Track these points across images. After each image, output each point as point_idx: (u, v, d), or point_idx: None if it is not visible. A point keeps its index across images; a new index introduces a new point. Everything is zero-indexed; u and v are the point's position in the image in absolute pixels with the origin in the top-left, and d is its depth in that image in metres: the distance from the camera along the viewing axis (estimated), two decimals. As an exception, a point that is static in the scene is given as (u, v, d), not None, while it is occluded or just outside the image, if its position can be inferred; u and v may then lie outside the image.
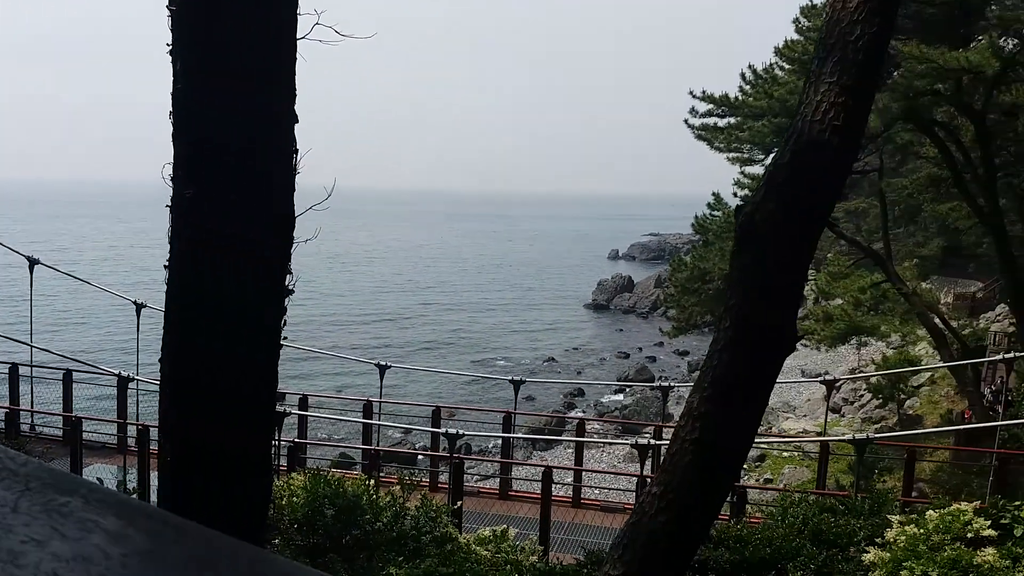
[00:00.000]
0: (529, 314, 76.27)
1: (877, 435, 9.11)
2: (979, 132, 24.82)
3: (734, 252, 4.07)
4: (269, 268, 3.32)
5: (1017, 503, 7.97)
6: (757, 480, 31.09)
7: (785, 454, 32.54)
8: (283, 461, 12.46)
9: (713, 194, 28.41)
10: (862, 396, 37.23)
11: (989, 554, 7.18)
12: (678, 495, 4.09)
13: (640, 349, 60.01)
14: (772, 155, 27.10)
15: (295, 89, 4.28)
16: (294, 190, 4.34)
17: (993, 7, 24.36)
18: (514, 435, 14.40)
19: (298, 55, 3.54)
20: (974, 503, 8.00)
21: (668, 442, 11.13)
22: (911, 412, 34.47)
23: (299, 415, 15.33)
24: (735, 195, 27.16)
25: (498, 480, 14.50)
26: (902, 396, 34.37)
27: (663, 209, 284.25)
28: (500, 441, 14.83)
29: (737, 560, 7.80)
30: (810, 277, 49.93)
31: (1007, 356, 11.74)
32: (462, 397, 43.75)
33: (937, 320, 27.92)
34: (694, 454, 4.08)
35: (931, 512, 7.81)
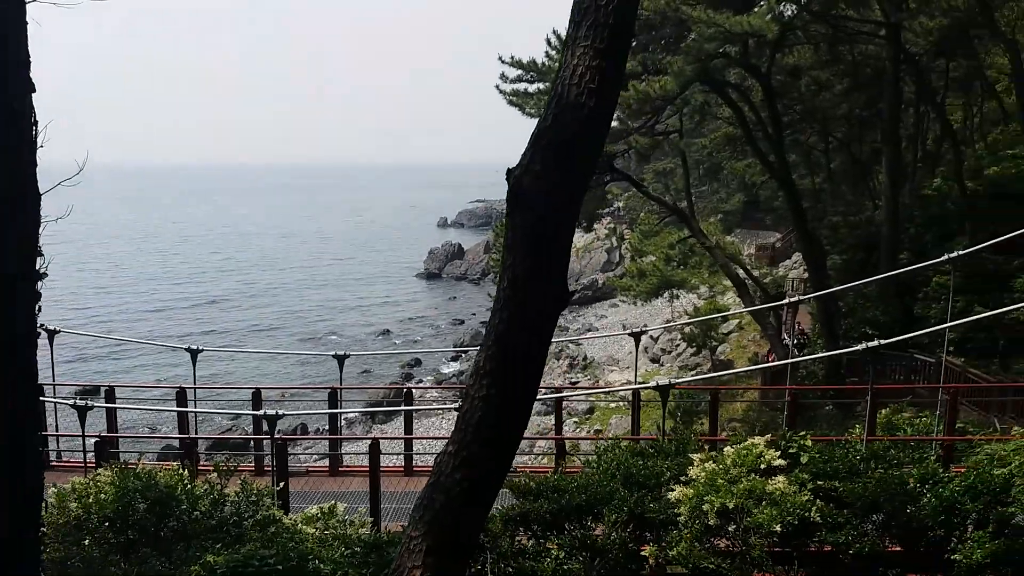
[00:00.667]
0: (360, 288, 75.16)
1: (678, 380, 9.67)
2: (766, 92, 26.69)
3: (507, 214, 4.14)
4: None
5: (802, 433, 8.75)
6: (587, 431, 32.52)
7: (612, 405, 34.20)
8: (90, 457, 11.65)
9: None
10: (679, 346, 39.63)
11: (779, 481, 7.85)
12: (471, 452, 4.16)
13: (474, 314, 60.73)
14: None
15: (27, 55, 3.90)
16: (35, 164, 3.96)
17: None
18: (341, 411, 14.16)
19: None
20: (766, 437, 8.71)
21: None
22: (723, 357, 37.09)
23: (106, 408, 14.34)
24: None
25: (328, 458, 14.26)
26: (714, 343, 36.89)
27: (488, 175, 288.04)
28: (329, 418, 14.53)
29: (556, 509, 8.09)
30: (625, 236, 52.02)
31: (791, 300, 12.80)
32: (292, 378, 42.65)
33: (740, 270, 30.05)
34: (483, 411, 4.16)
35: (728, 448, 8.43)
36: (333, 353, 13.56)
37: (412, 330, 58.24)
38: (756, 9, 25.20)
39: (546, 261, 4.09)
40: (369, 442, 11.37)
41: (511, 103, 27.54)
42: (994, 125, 43.58)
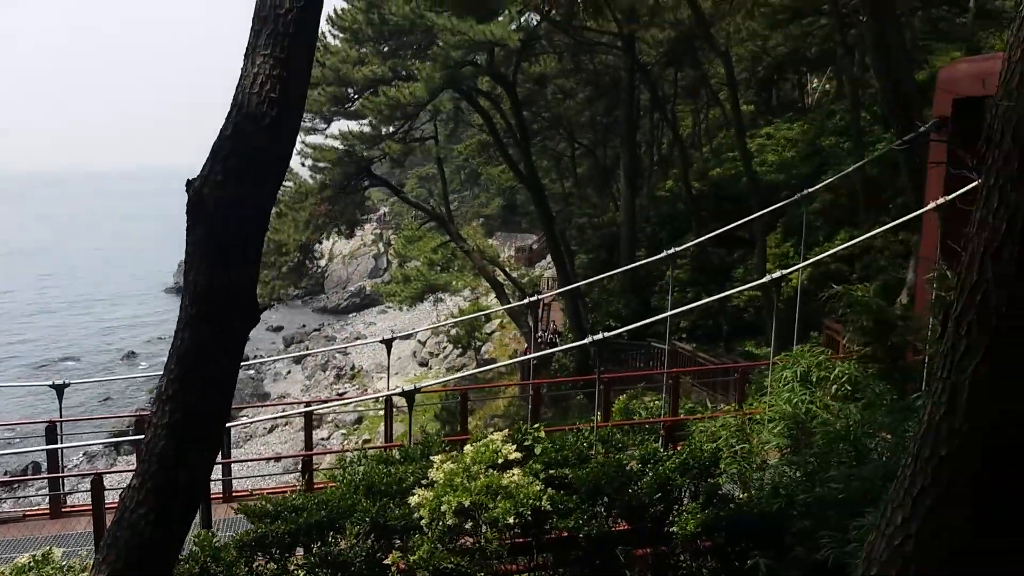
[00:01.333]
0: (100, 308, 68.47)
1: (423, 384, 9.72)
2: (512, 100, 27.74)
3: (188, 227, 3.91)
4: None
5: (536, 425, 9.11)
6: (356, 442, 32.04)
7: (382, 413, 33.96)
8: None
9: (283, 165, 28.07)
10: (445, 348, 40.24)
11: (515, 474, 8.10)
12: (156, 483, 3.86)
13: (232, 330, 57.66)
14: (334, 124, 27.51)
15: None
16: None
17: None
18: (62, 446, 12.75)
19: None
20: (504, 432, 8.97)
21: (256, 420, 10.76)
22: (487, 356, 38.12)
23: None
24: (303, 165, 27.17)
25: (49, 499, 12.80)
26: (478, 343, 37.85)
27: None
28: (47, 455, 12.98)
29: (294, 529, 7.82)
30: (391, 242, 51.90)
31: (532, 298, 13.44)
32: (13, 413, 37.74)
33: (497, 272, 31.03)
34: (168, 439, 3.87)
35: (468, 447, 8.58)
36: (51, 382, 12.17)
37: (162, 350, 54.11)
38: (499, 19, 26.16)
39: (232, 277, 3.89)
40: (90, 479, 10.34)
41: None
42: (719, 130, 48.50)
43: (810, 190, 13.83)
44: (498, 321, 39.87)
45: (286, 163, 4.11)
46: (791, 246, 26.40)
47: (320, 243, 29.65)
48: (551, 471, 8.23)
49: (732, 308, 25.88)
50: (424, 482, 8.18)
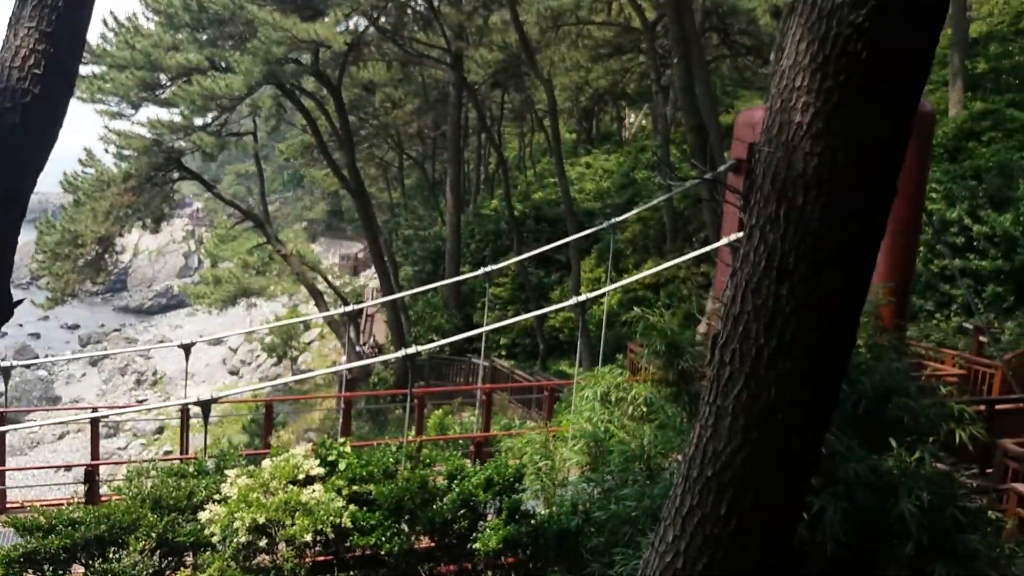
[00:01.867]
0: None
1: (220, 394, 9.30)
2: (337, 103, 27.27)
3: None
4: None
5: (342, 440, 8.95)
6: (156, 453, 30.04)
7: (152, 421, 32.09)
8: None
9: (85, 149, 26.09)
10: (259, 356, 38.68)
11: (315, 490, 7.91)
12: None
13: (21, 325, 52.47)
14: (142, 110, 25.79)
15: None
16: None
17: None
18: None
19: None
20: (307, 447, 8.74)
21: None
22: (304, 367, 37.03)
23: None
24: (106, 151, 25.32)
25: None
26: (295, 353, 36.68)
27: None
28: None
29: (69, 544, 7.23)
30: (204, 240, 49.40)
31: (351, 307, 13.21)
32: None
33: (319, 279, 30.27)
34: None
35: (266, 461, 8.28)
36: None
37: None
38: (326, 19, 25.70)
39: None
40: None
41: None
42: (543, 155, 50.08)
43: (620, 219, 14.55)
44: (318, 331, 38.88)
45: (49, 143, 3.79)
46: (603, 271, 27.65)
47: (122, 236, 27.64)
48: (355, 487, 8.10)
49: (549, 328, 26.71)
50: (217, 497, 7.81)
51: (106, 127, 24.14)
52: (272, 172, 59.50)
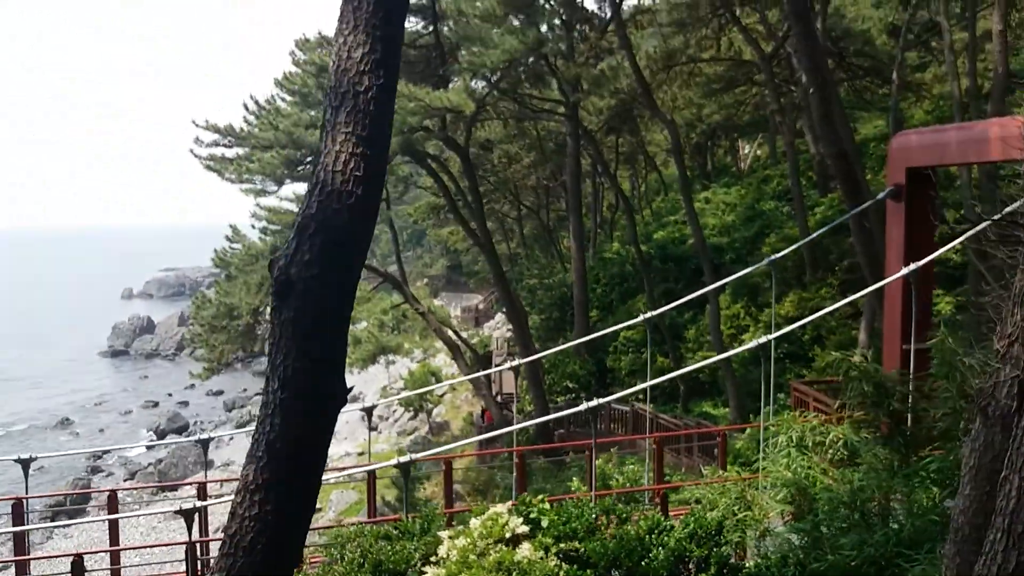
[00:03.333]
0: (33, 372, 65.24)
1: (417, 455, 9.53)
2: (465, 164, 28.06)
3: (274, 309, 3.83)
4: None
5: (540, 497, 8.98)
6: (329, 515, 31.01)
7: (331, 480, 33.04)
8: None
9: (231, 226, 27.76)
10: (395, 411, 39.59)
11: (526, 550, 7.95)
12: (240, 582, 3.69)
13: (170, 395, 55.73)
14: (285, 186, 27.27)
15: None
16: None
17: (463, 52, 27.65)
18: (29, 527, 11.91)
19: None
20: (508, 504, 8.82)
21: (215, 502, 10.31)
22: (439, 419, 37.62)
23: None
24: (253, 227, 26.83)
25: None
26: (429, 406, 37.36)
27: (177, 242, 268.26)
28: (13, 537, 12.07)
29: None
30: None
31: (515, 363, 13.41)
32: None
33: (450, 332, 30.87)
34: (256, 532, 3.72)
35: (473, 520, 8.39)
36: (15, 457, 11.43)
37: (97, 417, 51.90)
38: (452, 86, 26.63)
39: (323, 359, 3.82)
40: (70, 560, 9.70)
41: (208, 168, 26.28)
42: (656, 195, 49.87)
43: (781, 254, 14.28)
44: (449, 383, 39.48)
45: (369, 241, 4.09)
46: (740, 307, 27.05)
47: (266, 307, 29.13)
48: (561, 544, 8.09)
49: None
50: (433, 559, 7.95)
51: (257, 204, 25.61)
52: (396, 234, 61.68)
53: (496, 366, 36.85)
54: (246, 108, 26.89)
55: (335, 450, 36.86)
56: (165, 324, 75.87)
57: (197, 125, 25.89)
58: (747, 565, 8.37)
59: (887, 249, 14.12)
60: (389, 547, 8.17)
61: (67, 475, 38.39)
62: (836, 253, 25.91)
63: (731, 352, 10.84)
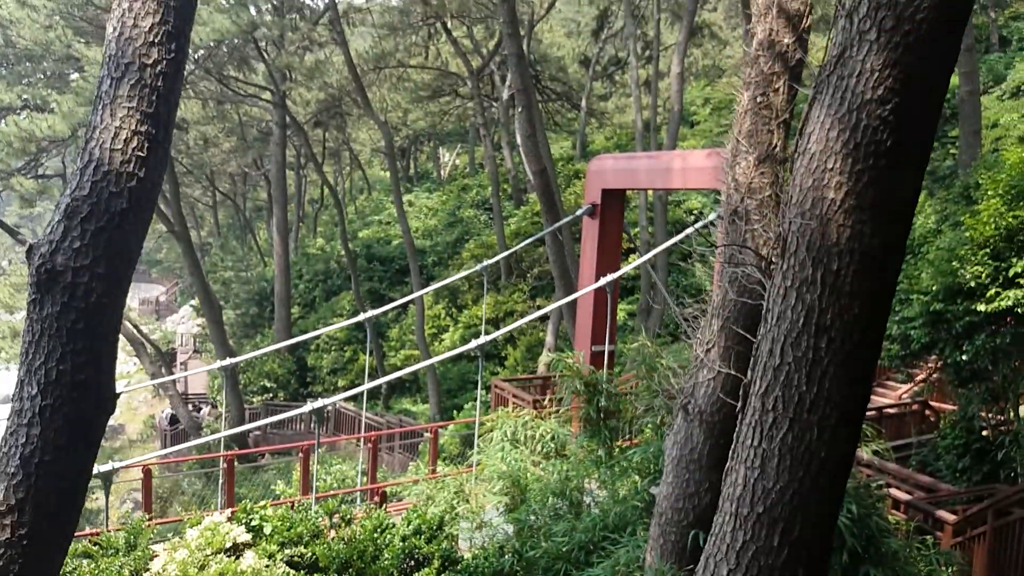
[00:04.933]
0: None
1: (119, 463, 8.67)
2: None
3: (32, 302, 3.35)
4: None
5: (262, 503, 8.66)
6: None
7: None
8: None
9: None
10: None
11: (250, 558, 7.63)
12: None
13: None
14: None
15: None
16: None
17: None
18: None
19: None
20: (226, 512, 8.37)
21: None
22: (113, 423, 34.14)
23: None
24: None
25: None
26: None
27: None
28: None
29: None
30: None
31: (222, 363, 12.64)
32: None
33: (130, 326, 28.19)
34: (7, 559, 3.21)
35: (190, 531, 7.86)
36: None
37: None
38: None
39: (93, 358, 3.40)
40: None
41: None
42: (359, 192, 49.84)
43: (493, 260, 15.07)
44: (123, 381, 36.00)
45: (147, 229, 3.71)
46: (442, 308, 28.02)
47: None
48: (286, 550, 7.89)
49: (390, 367, 26.60)
50: (147, 574, 7.33)
51: None
52: (45, 208, 54.93)
53: (182, 364, 34.42)
54: None
55: None
56: None
57: None
58: (465, 557, 8.79)
59: (581, 260, 15.56)
60: (93, 566, 7.38)
61: None
62: (527, 261, 27.89)
63: (451, 352, 11.23)
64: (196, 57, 26.13)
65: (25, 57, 22.16)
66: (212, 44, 23.95)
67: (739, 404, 4.32)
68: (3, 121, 21.30)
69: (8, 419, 3.37)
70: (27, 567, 3.29)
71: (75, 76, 23.40)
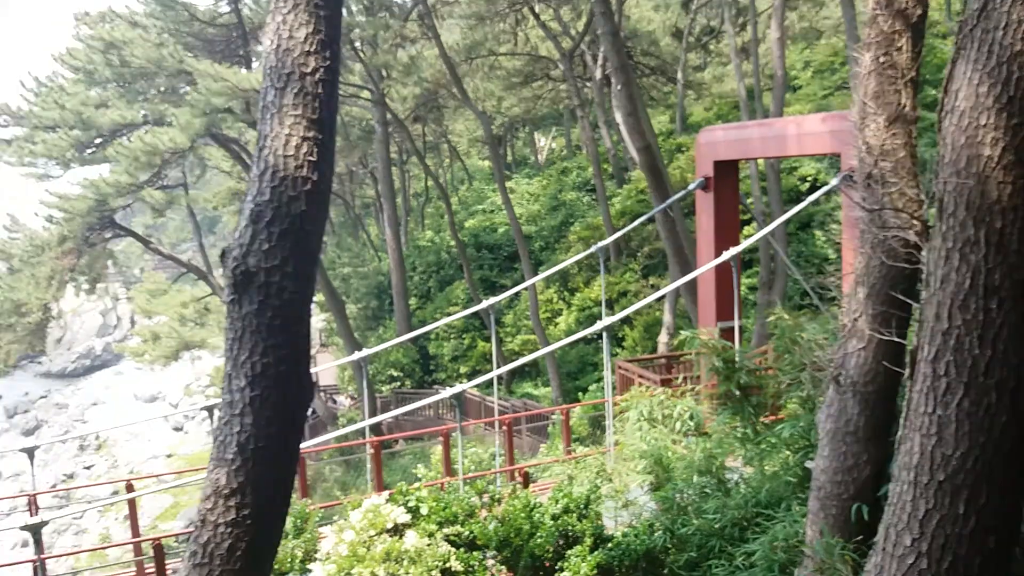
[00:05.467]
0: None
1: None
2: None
3: (232, 302, 3.68)
4: None
5: (416, 485, 9.09)
6: (117, 519, 28.70)
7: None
8: None
9: (8, 215, 25.11)
10: (202, 411, 37.43)
11: (412, 537, 8.05)
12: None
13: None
14: (73, 170, 24.93)
15: None
16: None
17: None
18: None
19: None
20: (384, 495, 8.85)
21: (62, 514, 9.42)
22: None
23: None
24: (36, 215, 24.43)
25: None
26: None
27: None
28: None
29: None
30: (120, 296, 47.70)
31: (353, 357, 13.28)
32: None
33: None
34: (235, 538, 3.61)
35: (353, 513, 8.35)
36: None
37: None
38: (256, 66, 25.49)
39: (292, 351, 3.74)
40: None
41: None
42: (460, 183, 50.61)
43: (605, 242, 15.14)
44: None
45: (324, 229, 4.02)
46: (554, 292, 28.27)
47: (57, 301, 26.54)
48: (445, 530, 8.27)
49: (508, 352, 27.07)
50: (318, 557, 7.86)
51: (47, 191, 23.24)
52: (181, 221, 58.13)
53: (311, 357, 35.98)
54: (23, 85, 24.32)
55: (141, 449, 34.36)
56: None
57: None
58: (615, 535, 8.96)
59: (698, 235, 15.38)
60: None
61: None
62: (637, 240, 27.75)
63: (572, 337, 11.43)
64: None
65: (140, 75, 23.56)
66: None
67: (907, 371, 4.30)
68: (127, 137, 22.73)
69: (220, 410, 3.74)
70: (252, 544, 3.68)
71: (186, 89, 24.67)
